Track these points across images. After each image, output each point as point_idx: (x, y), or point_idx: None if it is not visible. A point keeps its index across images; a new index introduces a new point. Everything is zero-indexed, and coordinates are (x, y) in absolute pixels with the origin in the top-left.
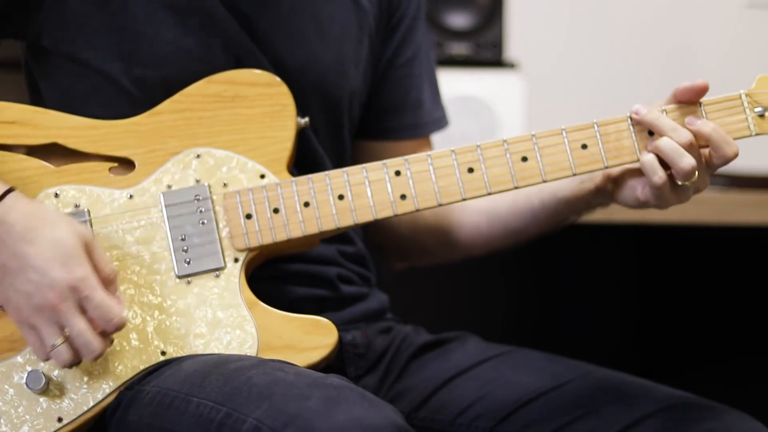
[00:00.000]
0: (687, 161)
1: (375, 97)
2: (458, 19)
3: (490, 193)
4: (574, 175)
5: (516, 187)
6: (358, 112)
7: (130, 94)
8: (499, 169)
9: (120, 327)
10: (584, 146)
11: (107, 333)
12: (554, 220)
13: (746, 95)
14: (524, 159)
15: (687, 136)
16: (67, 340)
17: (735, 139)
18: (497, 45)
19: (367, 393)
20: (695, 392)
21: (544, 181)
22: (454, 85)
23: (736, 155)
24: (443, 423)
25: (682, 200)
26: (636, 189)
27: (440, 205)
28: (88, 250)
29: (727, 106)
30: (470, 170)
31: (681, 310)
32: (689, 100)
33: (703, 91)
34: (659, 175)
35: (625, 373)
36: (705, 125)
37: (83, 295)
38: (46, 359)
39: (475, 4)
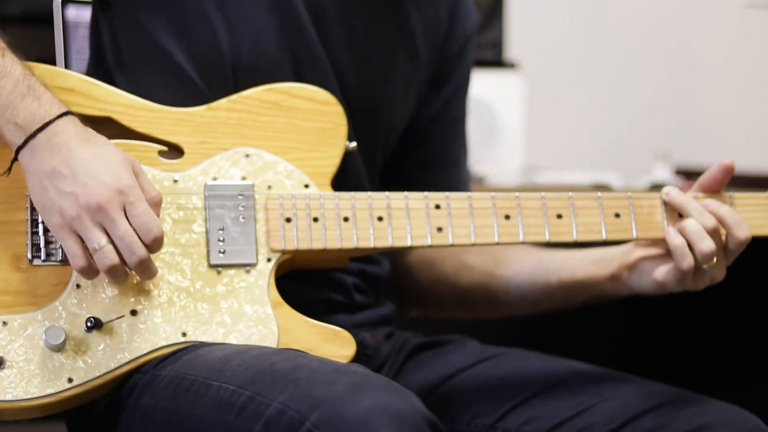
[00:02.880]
0: (708, 244)
1: (415, 148)
2: None
3: (523, 242)
4: (605, 241)
5: (548, 242)
6: (392, 150)
7: (189, 76)
8: (534, 220)
9: (158, 239)
10: (617, 215)
11: (145, 244)
12: (568, 300)
13: None
14: (559, 216)
15: (712, 221)
16: (112, 242)
17: (759, 236)
18: (497, 45)
19: (392, 381)
20: (694, 391)
21: (575, 241)
22: None
23: (748, 239)
24: (442, 421)
25: (698, 286)
26: (653, 272)
27: (474, 244)
28: (136, 172)
29: (756, 204)
30: (507, 217)
31: (680, 310)
32: (716, 182)
33: (729, 169)
34: (688, 261)
35: (624, 372)
36: (721, 207)
37: (129, 201)
38: (86, 266)
39: (475, 4)
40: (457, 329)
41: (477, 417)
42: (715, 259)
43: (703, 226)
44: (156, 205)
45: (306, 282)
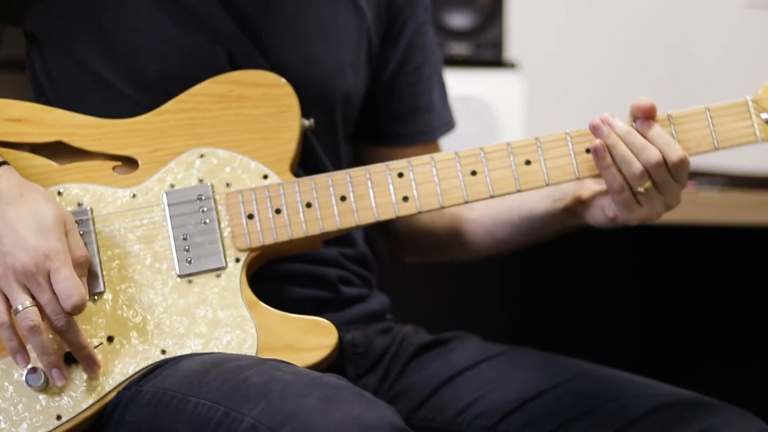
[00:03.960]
0: (636, 165)
1: (385, 104)
2: (458, 19)
3: (492, 196)
4: (578, 179)
5: (519, 191)
6: (354, 116)
7: (122, 91)
8: (501, 172)
9: (77, 307)
10: (588, 150)
11: (65, 310)
12: (533, 235)
13: (753, 101)
14: (527, 162)
15: (639, 140)
16: (36, 305)
17: (740, 145)
18: (497, 45)
19: (365, 392)
20: (697, 392)
21: (548, 185)
22: (454, 85)
23: (683, 159)
24: (443, 422)
25: (652, 215)
26: (604, 206)
27: (442, 207)
28: (67, 230)
29: (733, 112)
30: (473, 173)
31: (681, 310)
32: (642, 118)
33: (651, 110)
34: (619, 181)
35: (627, 371)
36: (651, 129)
37: (54, 266)
38: (3, 322)
39: (475, 4)
40: (458, 325)
41: (477, 418)
42: (648, 182)
43: (629, 147)
44: (81, 266)
45: (288, 282)
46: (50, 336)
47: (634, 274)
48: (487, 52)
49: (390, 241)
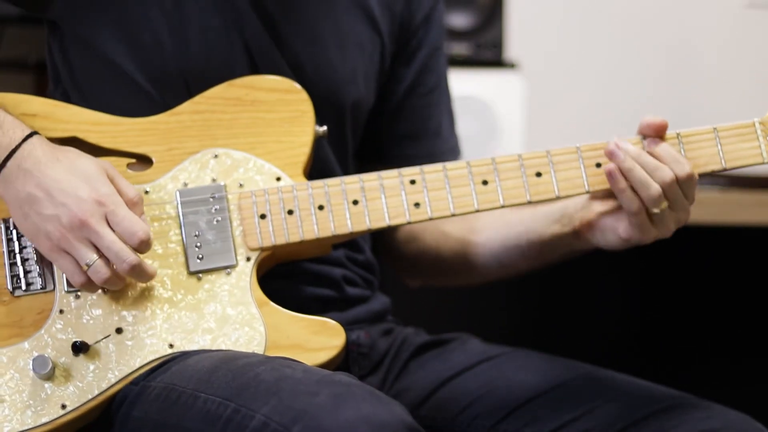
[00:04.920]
0: (654, 188)
1: (393, 124)
2: (458, 19)
3: (503, 206)
4: (588, 192)
5: (530, 201)
6: (362, 126)
7: (140, 86)
8: (512, 182)
9: (144, 241)
10: (598, 165)
11: (132, 247)
12: (541, 260)
13: (760, 123)
14: (538, 174)
15: (652, 162)
16: (101, 255)
17: (747, 165)
18: (497, 45)
19: (376, 390)
20: (695, 393)
21: (558, 197)
22: (455, 85)
23: (690, 175)
24: (444, 421)
25: (664, 232)
26: (617, 228)
27: (453, 214)
28: (110, 177)
29: (740, 133)
30: (484, 182)
31: (681, 310)
32: (652, 136)
33: (662, 127)
34: (636, 204)
35: (625, 373)
36: (657, 147)
37: (109, 209)
38: (85, 281)
39: (475, 4)
40: (459, 326)
41: (477, 418)
42: (665, 203)
43: (644, 168)
44: (135, 205)
45: (294, 280)
46: (124, 279)
47: (634, 274)
48: (487, 52)
49: (394, 265)
